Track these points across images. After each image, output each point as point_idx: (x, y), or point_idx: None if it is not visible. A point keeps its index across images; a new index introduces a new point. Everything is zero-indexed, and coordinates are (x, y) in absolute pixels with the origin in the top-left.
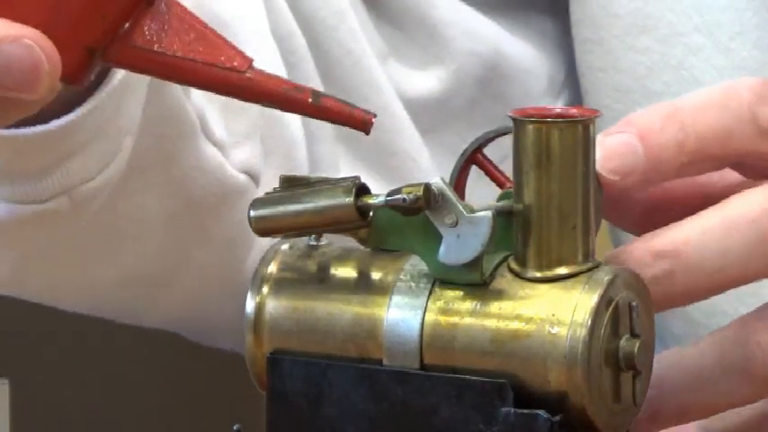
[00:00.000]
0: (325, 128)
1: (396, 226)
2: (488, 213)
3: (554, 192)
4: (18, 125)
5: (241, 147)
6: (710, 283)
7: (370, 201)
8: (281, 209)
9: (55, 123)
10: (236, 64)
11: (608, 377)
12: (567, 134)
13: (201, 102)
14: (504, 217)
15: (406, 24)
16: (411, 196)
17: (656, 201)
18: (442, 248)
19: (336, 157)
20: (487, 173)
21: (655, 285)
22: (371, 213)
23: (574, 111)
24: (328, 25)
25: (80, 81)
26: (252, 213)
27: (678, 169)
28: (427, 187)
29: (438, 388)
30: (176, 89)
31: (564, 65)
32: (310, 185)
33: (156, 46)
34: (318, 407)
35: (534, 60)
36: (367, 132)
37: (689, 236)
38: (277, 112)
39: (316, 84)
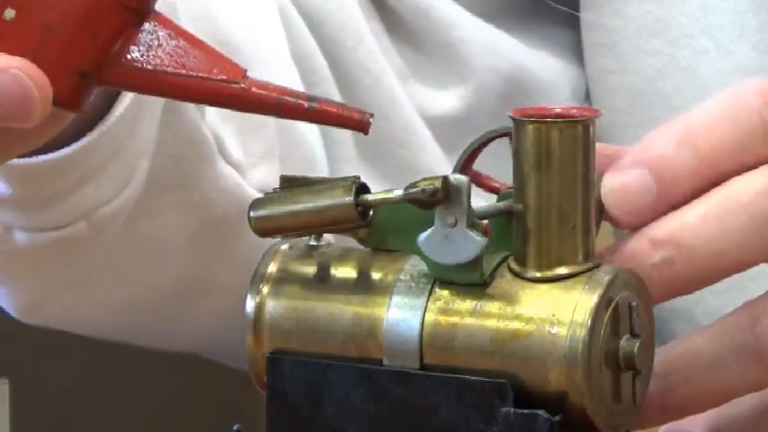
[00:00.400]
0: (347, 146)
1: (396, 226)
2: (482, 241)
3: (554, 192)
4: (31, 153)
5: (259, 167)
6: (711, 268)
7: (372, 199)
8: (280, 209)
9: (64, 151)
10: (229, 75)
11: (608, 377)
12: (567, 134)
13: (217, 123)
14: (504, 217)
15: (425, 45)
16: (430, 188)
17: None
18: (425, 234)
19: (360, 175)
20: (480, 184)
21: (656, 274)
22: (371, 213)
23: (574, 111)
24: (347, 46)
25: (77, 106)
26: (252, 213)
27: (690, 195)
28: (446, 179)
29: (438, 388)
30: (191, 110)
31: (584, 72)
32: (310, 185)
33: (147, 64)
34: (318, 407)
35: (555, 71)
36: (366, 133)
37: (687, 222)
38: (296, 132)
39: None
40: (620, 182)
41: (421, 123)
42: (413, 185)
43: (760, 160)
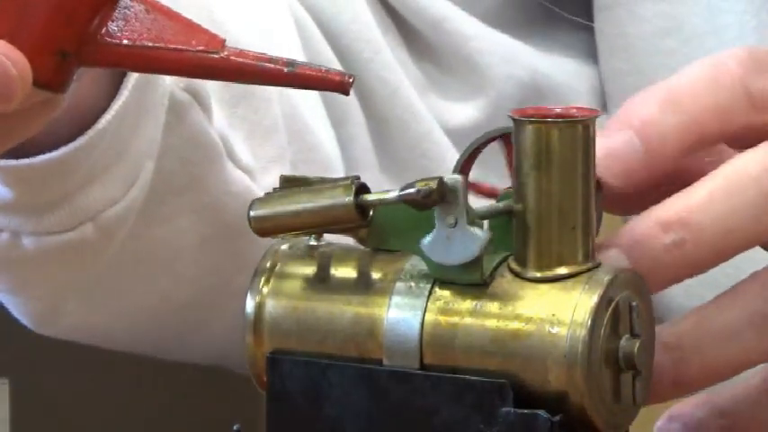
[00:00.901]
0: (367, 155)
1: (396, 226)
2: (485, 236)
3: (554, 192)
4: (30, 154)
5: (270, 171)
6: (722, 246)
7: (370, 199)
8: (280, 209)
9: (62, 150)
10: (207, 45)
11: (608, 377)
12: (567, 134)
13: (224, 128)
14: (504, 217)
15: (442, 58)
16: (425, 189)
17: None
18: (428, 238)
19: (380, 184)
20: (478, 192)
21: (667, 256)
22: (371, 213)
23: (574, 111)
24: (364, 57)
25: (59, 86)
26: (251, 213)
27: (678, 156)
28: (441, 181)
29: (438, 388)
30: (197, 113)
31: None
32: (310, 185)
33: (126, 40)
34: (318, 407)
35: (572, 74)
36: (346, 94)
37: (695, 202)
38: (310, 136)
39: (356, 112)
40: (606, 146)
41: (441, 133)
42: (409, 186)
43: (746, 129)
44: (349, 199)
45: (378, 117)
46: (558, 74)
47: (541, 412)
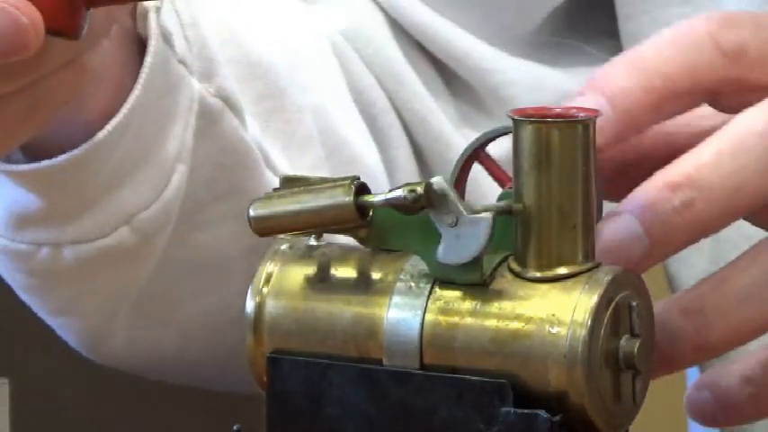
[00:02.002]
0: (409, 175)
1: (396, 226)
2: (488, 215)
3: (554, 192)
4: (52, 154)
5: None
6: (732, 203)
7: (370, 200)
8: (280, 208)
9: (80, 149)
10: None
11: (608, 377)
12: (567, 134)
13: (260, 139)
14: (504, 217)
15: (471, 93)
16: (412, 194)
17: (626, 158)
18: (441, 248)
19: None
20: (489, 171)
21: (678, 218)
22: (371, 213)
23: (574, 111)
24: (390, 89)
25: (72, 30)
26: (251, 213)
27: (651, 115)
28: (428, 186)
29: (438, 388)
30: (230, 118)
31: None
32: (310, 185)
33: None
34: (318, 407)
35: None
36: None
37: (703, 161)
38: (348, 149)
39: (398, 135)
40: (574, 103)
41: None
42: (397, 189)
43: (725, 83)
44: (349, 199)
45: (414, 144)
46: None
47: (541, 412)
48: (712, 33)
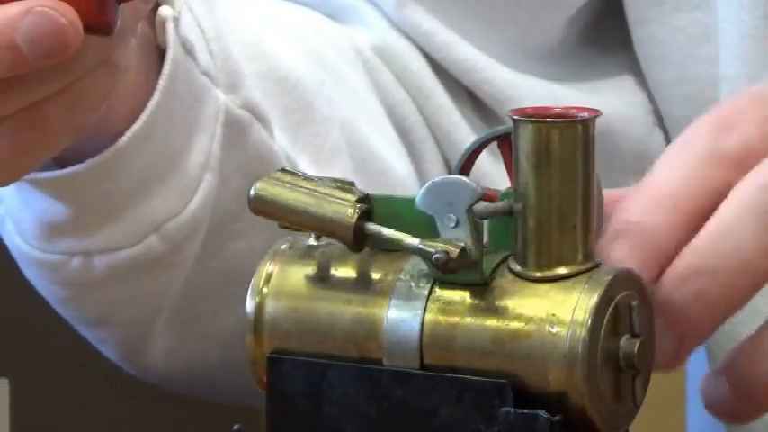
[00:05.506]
0: None
1: (396, 226)
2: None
3: (554, 192)
4: (75, 161)
5: None
6: (739, 283)
7: (370, 229)
8: (282, 201)
9: (102, 155)
10: None
11: (608, 377)
12: (567, 134)
13: (289, 151)
14: (504, 217)
15: (494, 115)
16: (443, 256)
17: None
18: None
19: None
20: (507, 162)
21: (695, 308)
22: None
23: (574, 111)
24: (418, 103)
25: (106, 26)
26: (252, 192)
27: (677, 244)
28: (464, 250)
29: (438, 388)
30: (259, 129)
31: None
32: (312, 182)
33: None
34: (318, 407)
35: (621, 105)
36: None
37: (701, 247)
38: (377, 160)
39: (431, 149)
40: (612, 255)
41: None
42: (432, 244)
43: (738, 178)
44: (351, 222)
45: (444, 158)
46: (607, 109)
47: (541, 412)
48: (712, 146)
